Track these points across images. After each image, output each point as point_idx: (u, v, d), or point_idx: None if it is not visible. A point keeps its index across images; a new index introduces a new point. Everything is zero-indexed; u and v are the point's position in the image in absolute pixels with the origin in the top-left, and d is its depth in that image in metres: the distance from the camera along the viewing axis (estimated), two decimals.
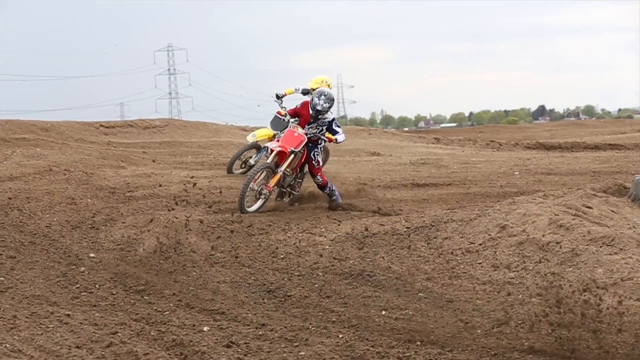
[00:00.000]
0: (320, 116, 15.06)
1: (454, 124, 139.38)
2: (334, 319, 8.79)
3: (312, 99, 15.08)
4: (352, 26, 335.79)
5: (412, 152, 28.15)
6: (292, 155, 14.73)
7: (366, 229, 12.27)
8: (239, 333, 8.19)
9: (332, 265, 10.86)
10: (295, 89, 17.28)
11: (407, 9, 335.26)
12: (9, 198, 14.29)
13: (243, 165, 19.02)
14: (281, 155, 14.70)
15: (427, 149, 30.14)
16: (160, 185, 16.81)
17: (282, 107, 15.38)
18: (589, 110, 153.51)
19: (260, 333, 8.22)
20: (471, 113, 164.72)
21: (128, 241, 12.18)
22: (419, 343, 7.94)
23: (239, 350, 7.68)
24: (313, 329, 8.38)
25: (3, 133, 22.35)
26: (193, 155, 23.73)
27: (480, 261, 10.50)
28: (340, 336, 8.12)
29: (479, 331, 8.23)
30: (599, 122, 65.10)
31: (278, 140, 15.16)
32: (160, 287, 9.95)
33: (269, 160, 14.74)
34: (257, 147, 18.63)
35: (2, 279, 9.84)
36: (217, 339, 7.95)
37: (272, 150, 14.81)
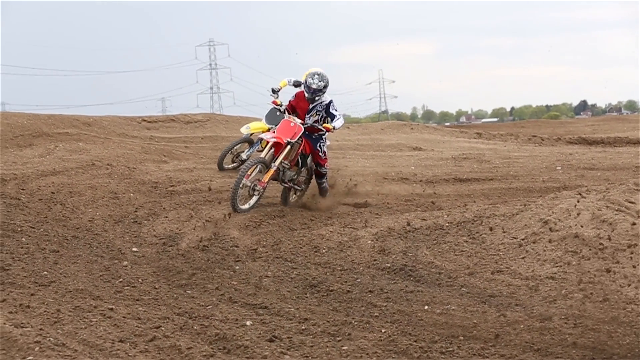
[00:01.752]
0: (317, 98, 14.58)
1: (495, 119, 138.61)
2: (376, 314, 8.78)
3: (306, 81, 14.55)
4: (392, 21, 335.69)
5: (454, 147, 28.03)
6: (289, 147, 14.10)
7: (408, 224, 12.24)
8: (281, 327, 8.21)
9: (375, 260, 10.84)
10: (288, 81, 17.04)
11: (447, 4, 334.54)
12: (52, 192, 14.39)
13: (234, 160, 18.58)
14: (277, 148, 14.08)
15: (469, 144, 30.01)
16: (202, 180, 16.86)
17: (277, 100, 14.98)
18: (631, 105, 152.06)
19: (303, 327, 8.23)
20: (512, 108, 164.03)
21: (170, 235, 12.24)
22: (462, 338, 7.92)
23: (282, 344, 7.70)
24: (356, 323, 8.38)
25: (46, 128, 22.47)
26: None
27: (523, 256, 10.44)
28: (383, 331, 8.12)
29: (521, 326, 8.18)
30: None
31: (274, 132, 14.45)
32: (203, 282, 9.99)
33: (263, 153, 14.14)
34: (249, 140, 18.24)
35: (45, 273, 9.92)
36: (260, 333, 7.97)
37: (267, 142, 14.21)
